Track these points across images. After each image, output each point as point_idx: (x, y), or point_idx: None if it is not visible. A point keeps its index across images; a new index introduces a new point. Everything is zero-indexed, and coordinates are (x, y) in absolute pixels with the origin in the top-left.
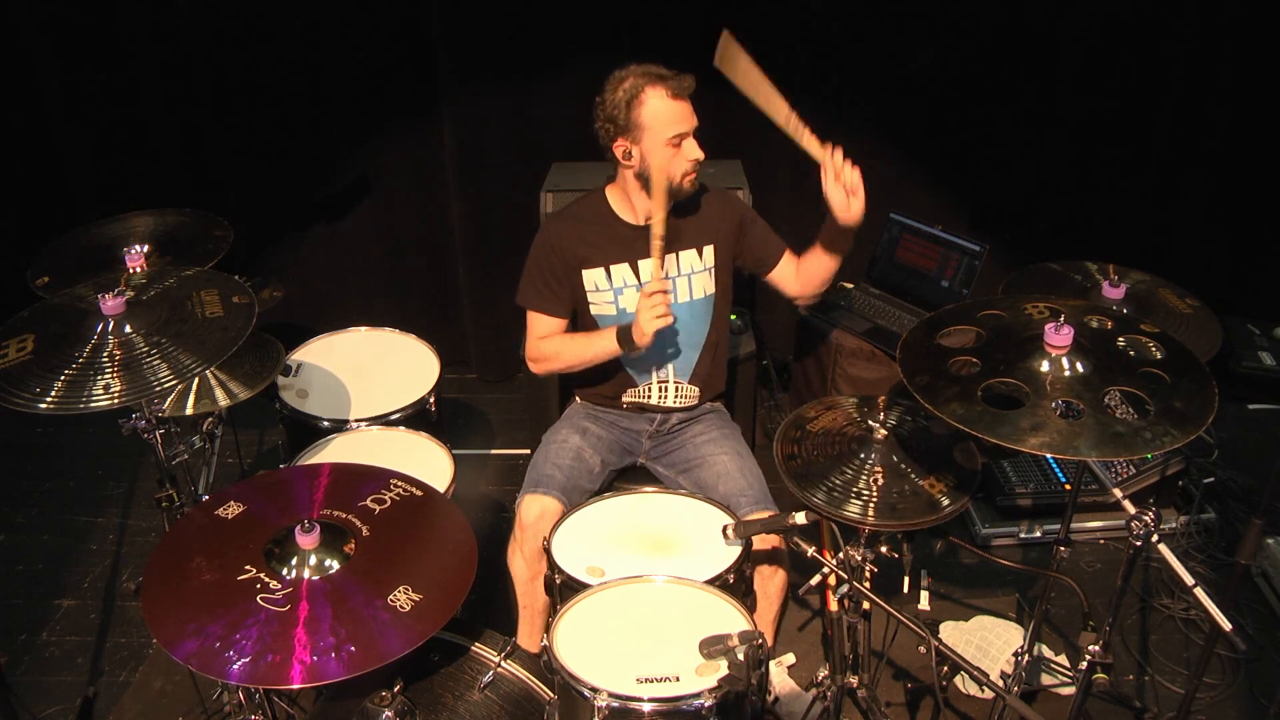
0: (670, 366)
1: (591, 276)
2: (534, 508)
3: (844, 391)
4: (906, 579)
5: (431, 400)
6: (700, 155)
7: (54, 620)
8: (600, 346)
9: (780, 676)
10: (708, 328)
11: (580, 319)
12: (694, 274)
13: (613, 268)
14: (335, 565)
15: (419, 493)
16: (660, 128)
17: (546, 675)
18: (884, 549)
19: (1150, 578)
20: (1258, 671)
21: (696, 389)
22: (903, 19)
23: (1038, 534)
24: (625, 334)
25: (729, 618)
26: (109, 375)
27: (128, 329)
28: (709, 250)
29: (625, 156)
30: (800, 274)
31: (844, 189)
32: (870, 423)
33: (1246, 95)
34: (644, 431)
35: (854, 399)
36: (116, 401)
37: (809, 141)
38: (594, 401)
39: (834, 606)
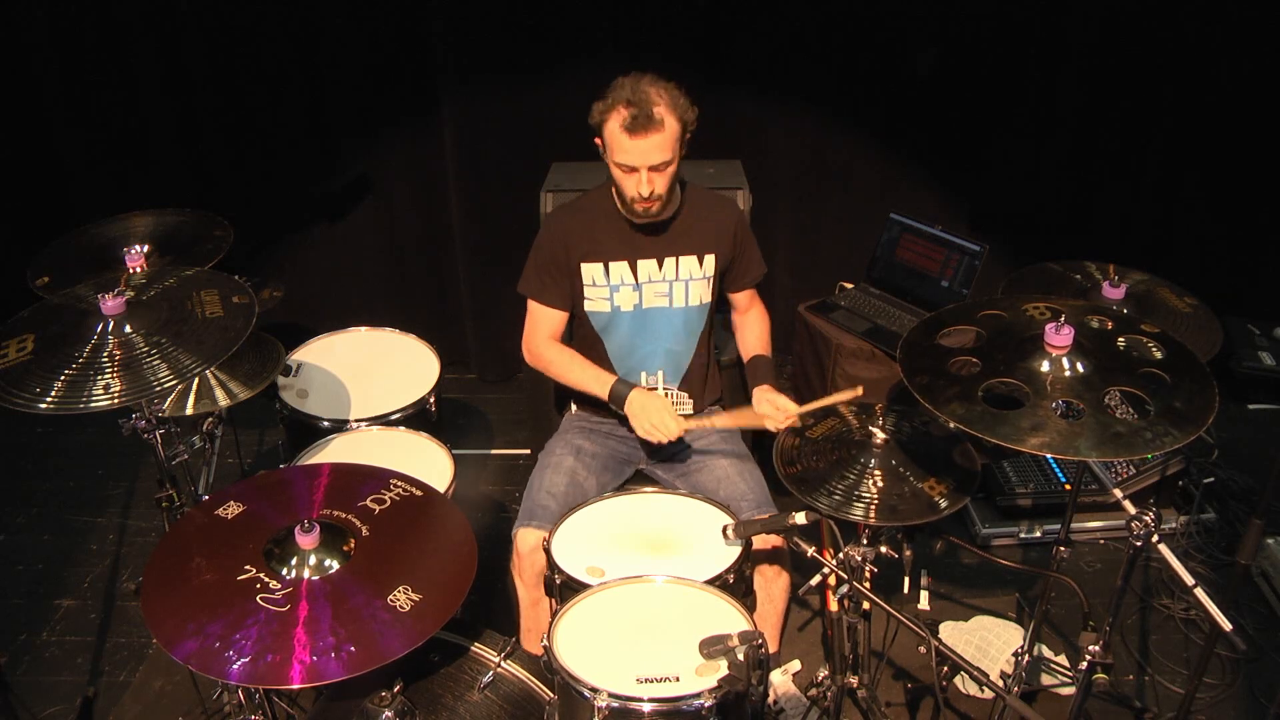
0: (660, 373)
1: (590, 271)
2: (529, 540)
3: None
4: (906, 579)
5: (431, 400)
6: (645, 191)
7: (54, 620)
8: (592, 386)
9: (784, 684)
10: (699, 335)
11: (575, 312)
12: (691, 280)
13: (611, 264)
14: (335, 565)
15: (419, 493)
16: (612, 150)
17: (546, 675)
18: (884, 549)
19: (1150, 578)
20: (1258, 671)
21: (688, 396)
22: (904, 19)
23: (1038, 534)
24: (618, 395)
25: (729, 618)
26: (109, 375)
27: (128, 329)
28: (710, 259)
29: (602, 152)
30: (741, 321)
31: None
32: (870, 427)
33: (1246, 94)
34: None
35: (851, 406)
36: (116, 401)
37: (796, 409)
38: (590, 410)
39: (834, 606)
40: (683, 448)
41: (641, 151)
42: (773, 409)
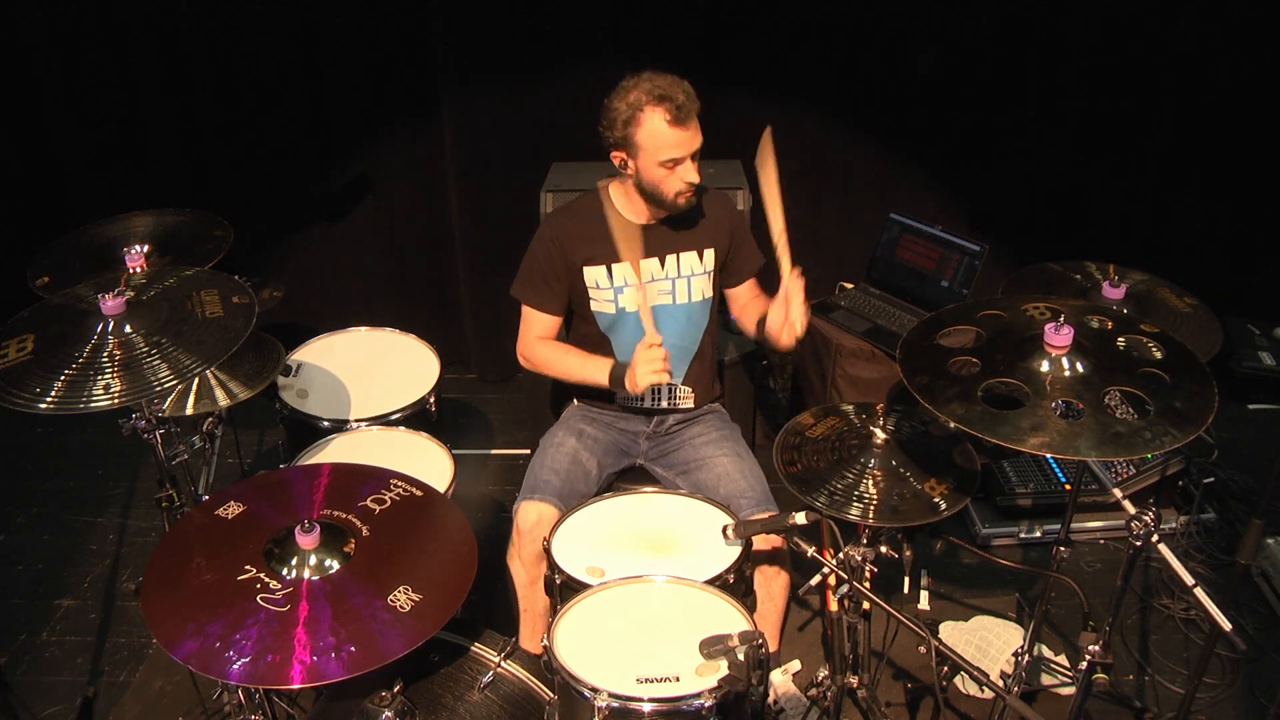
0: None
1: (593, 274)
2: (530, 514)
3: (844, 391)
4: (906, 579)
5: (431, 400)
6: (695, 179)
7: (54, 620)
8: (591, 373)
9: (784, 684)
10: (703, 331)
11: (579, 314)
12: (693, 276)
13: (614, 266)
14: (335, 565)
15: (419, 493)
16: (655, 150)
17: (546, 675)
18: (884, 549)
19: (1150, 578)
20: (1258, 671)
21: (690, 391)
22: (904, 19)
23: (1038, 534)
24: (618, 376)
25: (729, 618)
26: (109, 375)
27: (128, 329)
28: (709, 253)
29: (622, 166)
30: (742, 312)
31: (785, 315)
32: (870, 428)
33: (1246, 95)
34: (641, 433)
35: (851, 405)
36: (116, 401)
37: (785, 259)
38: (590, 403)
39: (834, 606)
40: (681, 446)
41: (688, 139)
42: (781, 313)
